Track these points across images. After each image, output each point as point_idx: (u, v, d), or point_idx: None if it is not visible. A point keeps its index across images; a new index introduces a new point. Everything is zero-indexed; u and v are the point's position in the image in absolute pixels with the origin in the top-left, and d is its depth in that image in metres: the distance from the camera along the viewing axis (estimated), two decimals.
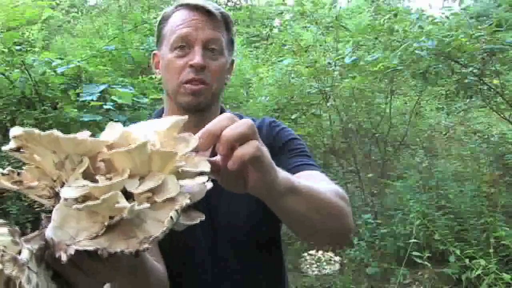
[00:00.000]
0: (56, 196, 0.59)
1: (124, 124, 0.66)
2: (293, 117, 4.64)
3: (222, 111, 1.13)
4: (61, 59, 3.66)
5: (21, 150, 0.60)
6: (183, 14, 1.05)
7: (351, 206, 0.93)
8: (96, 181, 0.56)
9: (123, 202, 0.53)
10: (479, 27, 3.39)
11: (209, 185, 0.64)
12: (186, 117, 0.67)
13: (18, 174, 0.63)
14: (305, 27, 5.53)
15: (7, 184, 0.62)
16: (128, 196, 0.56)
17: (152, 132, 0.63)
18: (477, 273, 2.78)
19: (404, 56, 3.50)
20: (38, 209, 0.65)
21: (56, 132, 0.56)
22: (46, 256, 0.56)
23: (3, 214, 3.19)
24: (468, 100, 4.87)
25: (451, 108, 5.47)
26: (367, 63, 3.87)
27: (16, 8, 4.28)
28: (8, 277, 0.51)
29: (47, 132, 0.56)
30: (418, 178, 4.28)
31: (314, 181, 0.92)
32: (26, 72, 3.33)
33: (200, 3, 1.04)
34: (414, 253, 3.04)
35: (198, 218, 0.61)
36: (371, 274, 3.56)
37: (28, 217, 3.28)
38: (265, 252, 1.06)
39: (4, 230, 0.55)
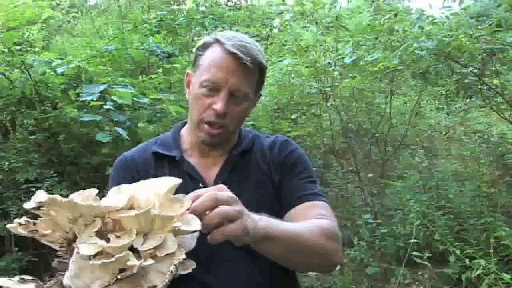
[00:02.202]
0: (69, 245, 0.72)
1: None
2: (293, 117, 4.64)
3: (240, 132, 1.22)
4: (61, 59, 3.66)
5: (41, 209, 0.71)
6: (218, 54, 1.08)
7: (341, 241, 1.05)
8: (106, 237, 0.70)
9: (133, 261, 0.66)
10: (479, 27, 3.39)
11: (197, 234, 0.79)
12: (180, 180, 0.80)
13: (34, 224, 0.75)
14: (305, 27, 5.53)
15: (24, 232, 0.74)
16: (133, 250, 0.69)
17: (153, 195, 0.76)
18: (477, 273, 2.78)
19: (404, 56, 3.50)
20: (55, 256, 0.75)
21: (75, 199, 0.68)
22: None
23: (3, 214, 3.19)
24: (468, 100, 4.87)
25: (451, 108, 5.47)
26: (367, 63, 3.86)
27: (16, 8, 4.28)
28: None
29: (68, 199, 0.68)
30: (418, 178, 4.28)
31: (312, 213, 1.06)
32: (26, 72, 3.33)
33: (236, 51, 1.05)
34: (414, 253, 3.04)
35: (191, 267, 0.76)
36: (371, 274, 3.55)
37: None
38: None
39: (32, 286, 0.67)
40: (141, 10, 6.47)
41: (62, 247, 0.72)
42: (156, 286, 0.66)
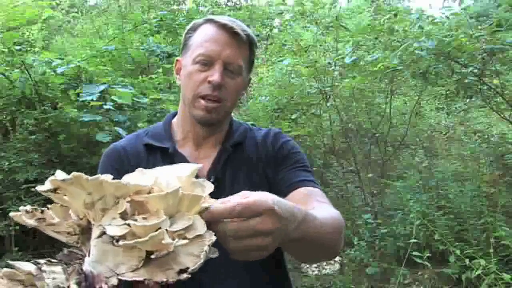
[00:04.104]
0: (82, 233, 0.68)
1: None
2: (293, 117, 4.64)
3: (231, 122, 1.19)
4: (61, 59, 3.66)
5: (57, 191, 0.65)
6: (210, 30, 1.09)
7: (344, 230, 1.03)
8: (132, 220, 0.65)
9: (168, 239, 0.62)
10: (479, 27, 3.39)
11: None
12: (201, 165, 0.76)
13: (42, 212, 0.69)
14: (305, 27, 5.53)
15: (29, 221, 0.68)
16: None
17: (175, 177, 0.72)
18: (477, 273, 2.78)
19: (404, 56, 3.50)
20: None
21: (101, 177, 0.63)
22: None
23: (3, 214, 3.19)
24: (468, 100, 4.87)
25: (451, 108, 5.47)
26: (367, 63, 3.87)
27: (16, 8, 4.29)
28: None
29: (94, 177, 0.63)
30: (418, 178, 4.28)
31: (316, 200, 1.02)
32: (26, 72, 3.33)
33: (228, 23, 1.07)
34: (414, 253, 3.04)
35: (216, 252, 0.71)
36: (371, 274, 3.56)
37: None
38: None
39: (59, 268, 0.63)
40: (141, 10, 6.47)
41: (71, 235, 0.68)
42: (188, 268, 0.63)
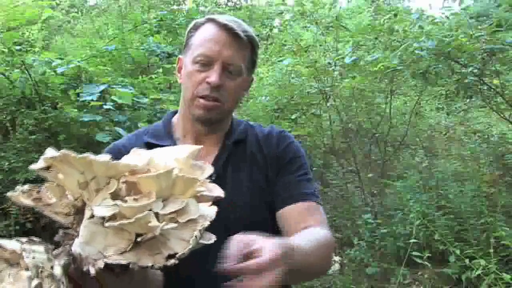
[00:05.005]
0: (77, 213, 0.65)
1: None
2: (293, 117, 4.64)
3: (232, 121, 1.19)
4: (61, 59, 3.66)
5: (50, 169, 0.64)
6: (211, 30, 1.09)
7: (334, 248, 1.06)
8: (121, 201, 0.62)
9: (155, 222, 0.59)
10: (479, 27, 3.39)
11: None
12: (201, 146, 0.74)
13: (38, 192, 0.68)
14: (305, 27, 5.53)
15: (26, 201, 0.67)
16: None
17: (172, 159, 0.69)
18: (477, 273, 2.78)
19: (404, 56, 3.50)
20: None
21: (90, 156, 0.60)
22: (70, 270, 0.61)
23: (3, 214, 3.19)
24: (468, 100, 4.87)
25: (451, 108, 5.47)
26: (367, 63, 3.86)
27: (16, 8, 4.28)
28: None
29: (82, 155, 0.60)
30: (418, 178, 4.28)
31: (313, 217, 1.04)
32: (26, 72, 3.33)
33: (229, 23, 1.07)
34: (414, 253, 3.04)
35: (212, 238, 0.67)
36: (371, 274, 3.55)
37: (28, 217, 3.28)
38: None
39: (41, 248, 0.60)
40: (141, 10, 6.47)
41: (68, 216, 0.66)
42: (177, 253, 0.60)
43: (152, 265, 0.59)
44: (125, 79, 3.79)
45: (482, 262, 2.78)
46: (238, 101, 1.17)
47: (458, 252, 2.96)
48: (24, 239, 0.61)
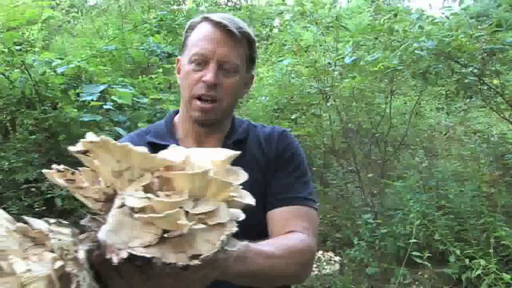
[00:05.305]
0: (107, 201, 0.65)
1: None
2: (293, 117, 4.64)
3: (234, 120, 1.19)
4: (61, 59, 3.66)
5: (87, 154, 0.64)
6: (205, 29, 1.09)
7: (314, 257, 1.05)
8: (153, 195, 0.62)
9: (184, 220, 0.60)
10: (479, 27, 3.39)
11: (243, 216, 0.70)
12: (239, 152, 0.73)
13: (72, 173, 0.67)
14: (305, 27, 5.53)
15: (59, 180, 0.66)
16: None
17: (209, 160, 0.69)
18: (477, 273, 2.78)
19: (404, 56, 3.50)
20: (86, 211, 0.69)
21: (130, 145, 0.61)
22: (92, 256, 0.61)
23: None
24: (468, 100, 4.86)
25: (451, 108, 5.47)
26: (367, 63, 3.86)
27: (16, 8, 4.28)
28: (65, 274, 0.56)
29: (122, 143, 0.61)
30: (418, 178, 4.28)
31: (298, 223, 1.03)
32: (26, 72, 3.33)
33: (223, 21, 1.06)
34: (414, 253, 3.04)
35: (237, 246, 0.68)
36: (371, 274, 3.55)
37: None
38: None
39: (67, 230, 0.61)
40: (141, 10, 6.47)
41: (97, 202, 0.66)
42: (202, 255, 0.59)
43: (175, 263, 0.59)
44: (125, 79, 3.79)
45: (482, 262, 2.78)
46: (237, 99, 1.16)
47: (458, 252, 2.95)
48: (52, 220, 0.62)
